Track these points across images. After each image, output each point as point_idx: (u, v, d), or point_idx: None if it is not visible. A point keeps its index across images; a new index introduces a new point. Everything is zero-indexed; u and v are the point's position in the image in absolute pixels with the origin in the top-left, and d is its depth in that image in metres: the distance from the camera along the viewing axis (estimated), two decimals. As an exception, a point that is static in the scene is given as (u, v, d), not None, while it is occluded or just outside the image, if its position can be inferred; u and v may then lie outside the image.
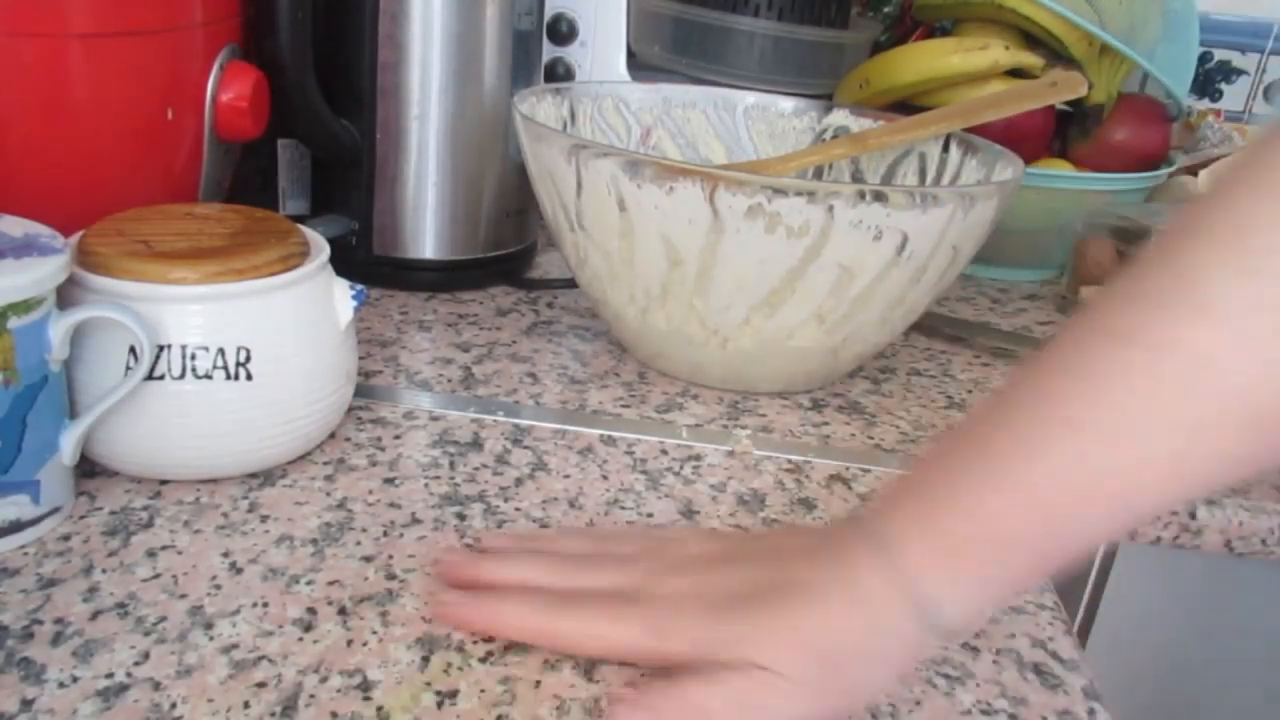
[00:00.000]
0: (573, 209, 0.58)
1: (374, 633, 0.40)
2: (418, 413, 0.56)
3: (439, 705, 0.37)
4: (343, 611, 0.41)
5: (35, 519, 0.43)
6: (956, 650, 0.42)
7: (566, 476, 0.52)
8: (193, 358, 0.45)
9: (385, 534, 0.46)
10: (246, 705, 0.36)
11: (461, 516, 0.47)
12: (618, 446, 0.55)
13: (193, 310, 0.45)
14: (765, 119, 0.76)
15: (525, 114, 0.61)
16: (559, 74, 0.78)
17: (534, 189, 0.63)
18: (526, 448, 0.54)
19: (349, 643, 0.39)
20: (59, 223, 0.45)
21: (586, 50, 0.78)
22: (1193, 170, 0.97)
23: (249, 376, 0.46)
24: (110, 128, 0.55)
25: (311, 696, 0.36)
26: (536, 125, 0.59)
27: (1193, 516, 0.57)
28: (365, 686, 0.37)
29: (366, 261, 0.70)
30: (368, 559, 0.44)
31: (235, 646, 0.38)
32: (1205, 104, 1.17)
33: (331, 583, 0.42)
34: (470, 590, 0.41)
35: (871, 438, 0.59)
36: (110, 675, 0.36)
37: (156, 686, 0.36)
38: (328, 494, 0.48)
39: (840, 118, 0.75)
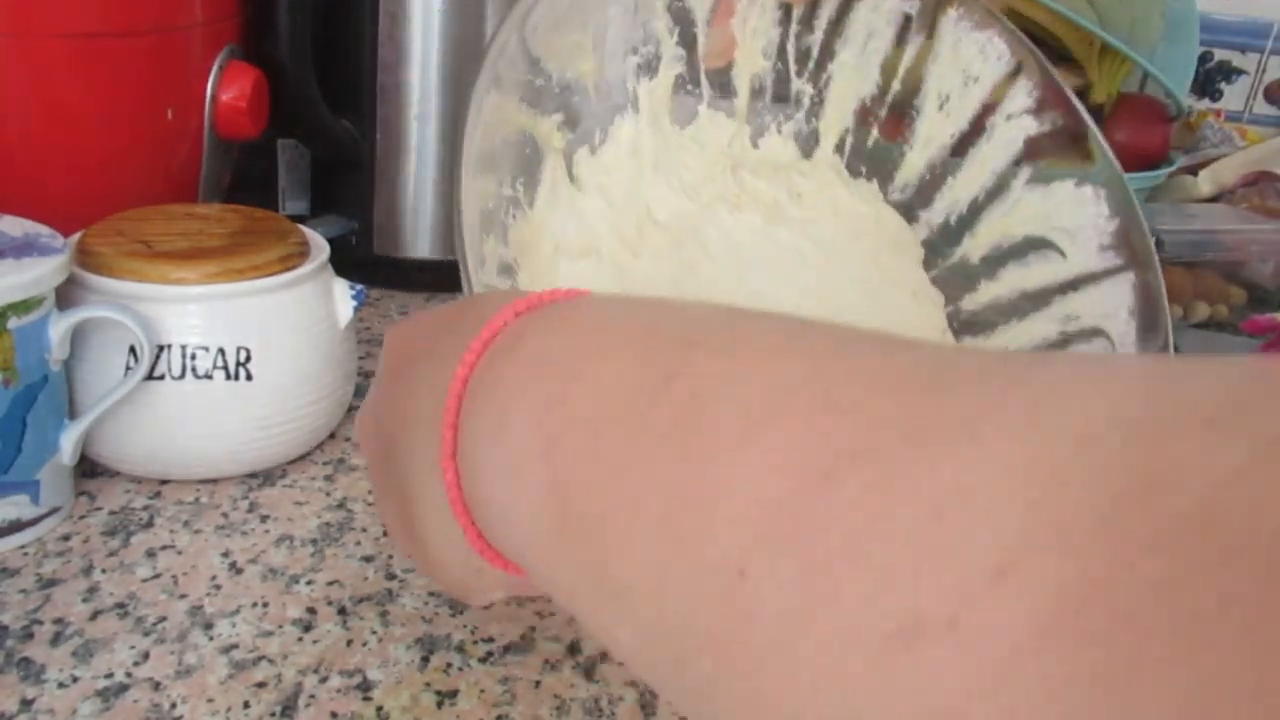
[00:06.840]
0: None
1: (374, 633, 0.40)
2: (418, 413, 0.56)
3: (439, 705, 0.37)
4: (342, 611, 0.41)
5: (35, 519, 0.43)
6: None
7: (566, 476, 0.52)
8: (193, 358, 0.45)
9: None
10: (246, 705, 0.36)
11: (461, 516, 0.47)
12: (617, 446, 0.55)
13: (192, 310, 0.45)
14: None
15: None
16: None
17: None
18: (526, 448, 0.54)
19: (349, 643, 0.39)
20: (59, 223, 0.45)
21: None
22: (1193, 170, 0.97)
23: (249, 376, 0.46)
24: (110, 128, 0.55)
25: (311, 696, 0.36)
26: None
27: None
28: (365, 686, 0.37)
29: (366, 261, 0.70)
30: (368, 559, 0.44)
31: (235, 646, 0.38)
32: (1205, 104, 1.17)
33: (331, 583, 0.42)
34: None
35: (871, 438, 0.59)
36: (110, 675, 0.36)
37: (156, 686, 0.36)
38: (328, 494, 0.48)
39: None
